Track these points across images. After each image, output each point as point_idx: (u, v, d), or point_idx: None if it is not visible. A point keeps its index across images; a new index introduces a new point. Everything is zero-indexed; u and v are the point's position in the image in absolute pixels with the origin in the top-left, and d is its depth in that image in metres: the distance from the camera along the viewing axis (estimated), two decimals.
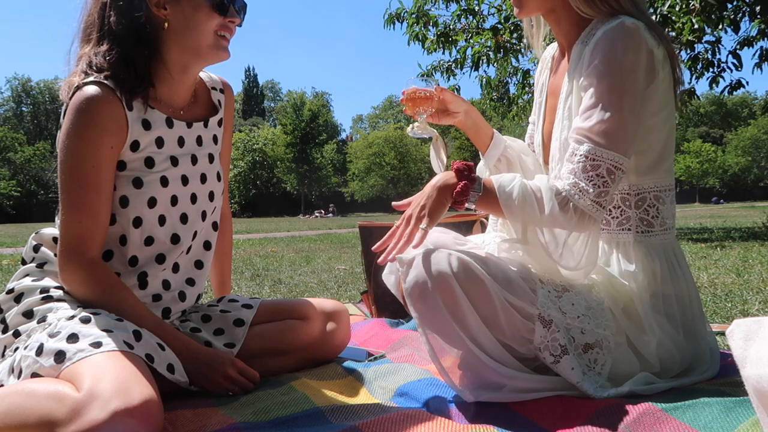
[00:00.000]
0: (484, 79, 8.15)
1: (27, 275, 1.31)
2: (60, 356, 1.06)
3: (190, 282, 1.42)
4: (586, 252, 1.19)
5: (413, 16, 7.80)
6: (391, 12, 7.80)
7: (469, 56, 7.68)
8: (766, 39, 6.60)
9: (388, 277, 1.27)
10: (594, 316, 1.17)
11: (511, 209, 1.14)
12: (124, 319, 1.19)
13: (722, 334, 1.76)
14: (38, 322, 1.19)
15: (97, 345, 1.07)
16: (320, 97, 58.63)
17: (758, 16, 6.32)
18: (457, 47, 7.80)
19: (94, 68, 1.24)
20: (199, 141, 1.40)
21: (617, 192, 1.24)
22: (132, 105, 1.26)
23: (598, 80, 1.15)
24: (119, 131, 1.24)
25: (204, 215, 1.41)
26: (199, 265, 1.44)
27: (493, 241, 1.41)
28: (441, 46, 7.77)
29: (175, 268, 1.38)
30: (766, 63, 6.64)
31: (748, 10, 6.47)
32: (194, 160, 1.39)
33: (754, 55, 6.66)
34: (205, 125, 1.42)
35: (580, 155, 1.15)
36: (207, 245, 1.45)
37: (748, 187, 57.39)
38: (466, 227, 2.14)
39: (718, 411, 0.97)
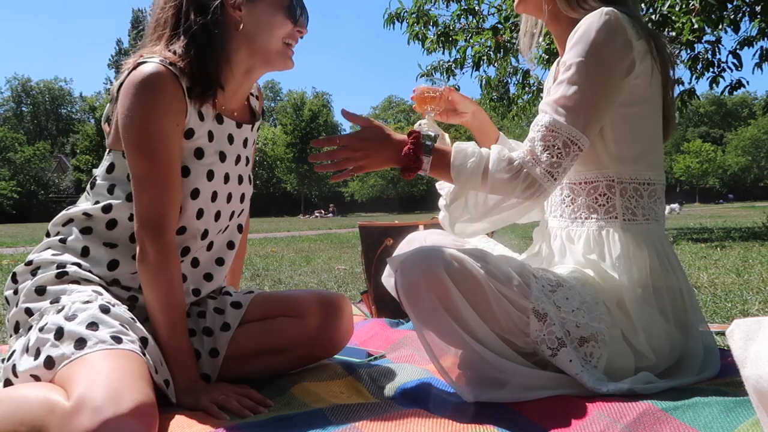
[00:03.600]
0: (484, 79, 8.15)
1: (48, 248, 1.30)
2: (80, 343, 1.06)
3: (208, 277, 1.41)
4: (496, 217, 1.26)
5: (413, 15, 7.80)
6: (390, 12, 7.79)
7: (470, 56, 7.68)
8: (766, 39, 6.60)
9: (387, 280, 1.28)
10: (588, 310, 1.18)
11: (460, 174, 1.19)
12: (167, 325, 1.21)
13: (722, 334, 1.76)
14: (51, 303, 1.19)
15: (117, 340, 1.08)
16: (320, 97, 58.60)
17: (758, 16, 6.32)
18: (457, 47, 7.80)
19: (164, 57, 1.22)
20: (245, 143, 1.42)
21: (603, 178, 1.26)
22: (192, 95, 1.24)
23: (571, 58, 1.19)
24: (181, 113, 1.23)
25: (232, 215, 1.42)
26: (220, 262, 1.43)
27: (487, 244, 1.42)
28: (441, 45, 7.77)
29: (195, 263, 1.37)
30: (766, 63, 6.63)
31: (748, 9, 6.46)
32: (238, 159, 1.40)
33: (754, 55, 6.66)
34: (251, 128, 1.44)
35: (541, 125, 1.19)
36: (230, 245, 1.45)
37: (748, 186, 57.41)
38: None
39: (718, 411, 0.97)
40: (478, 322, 1.12)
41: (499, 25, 7.42)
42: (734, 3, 6.31)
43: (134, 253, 1.25)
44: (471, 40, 7.67)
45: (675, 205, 24.10)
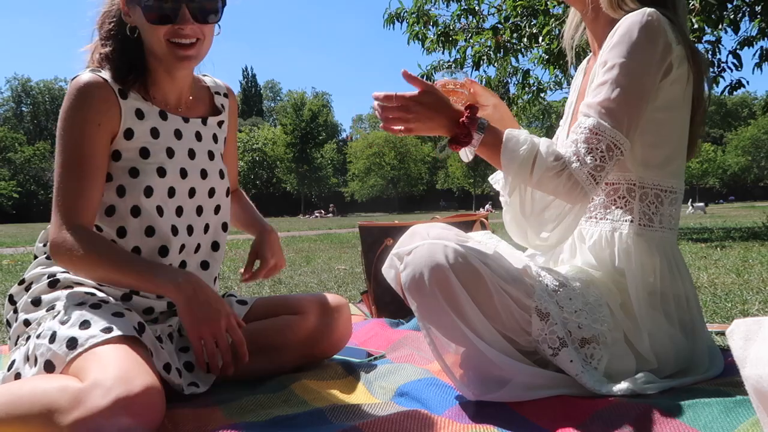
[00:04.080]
0: (484, 79, 8.15)
1: (38, 266, 1.34)
2: (72, 342, 1.08)
3: None
4: (559, 227, 1.22)
5: (413, 15, 7.80)
6: (390, 12, 7.80)
7: (470, 56, 7.69)
8: (766, 39, 6.61)
9: (388, 271, 1.27)
10: (591, 311, 1.18)
11: (511, 161, 1.16)
12: (117, 262, 1.21)
13: (722, 334, 1.76)
14: (47, 311, 1.22)
15: (107, 330, 1.10)
16: (320, 97, 58.67)
17: (758, 16, 6.32)
18: (457, 47, 7.80)
19: (95, 61, 1.31)
20: (198, 137, 1.41)
21: (624, 181, 1.26)
22: (127, 95, 1.29)
23: (612, 59, 1.18)
24: (109, 111, 1.26)
25: (200, 211, 1.40)
26: (204, 265, 1.43)
27: (491, 240, 1.41)
28: (441, 45, 7.77)
29: (182, 266, 1.38)
30: (766, 63, 6.64)
31: (748, 9, 6.47)
32: (192, 154, 1.38)
33: (754, 55, 6.67)
34: (204, 122, 1.43)
35: (585, 127, 1.17)
36: (215, 246, 1.44)
37: (748, 186, 57.44)
38: (465, 227, 2.13)
39: (718, 411, 0.97)
40: (480, 319, 1.12)
41: (499, 25, 7.43)
42: (734, 3, 6.31)
43: None
44: (471, 40, 7.68)
45: (700, 204, 23.71)
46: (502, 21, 7.46)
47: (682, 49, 1.20)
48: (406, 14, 7.83)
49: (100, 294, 1.26)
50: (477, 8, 7.77)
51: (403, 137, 53.05)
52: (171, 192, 1.34)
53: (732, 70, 6.47)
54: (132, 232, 1.30)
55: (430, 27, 7.85)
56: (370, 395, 1.29)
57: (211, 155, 1.43)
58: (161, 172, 1.32)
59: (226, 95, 1.52)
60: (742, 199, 53.03)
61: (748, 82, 6.99)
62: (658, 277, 1.22)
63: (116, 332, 1.10)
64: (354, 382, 1.38)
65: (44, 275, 1.29)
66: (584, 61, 1.51)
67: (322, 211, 42.54)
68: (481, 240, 1.45)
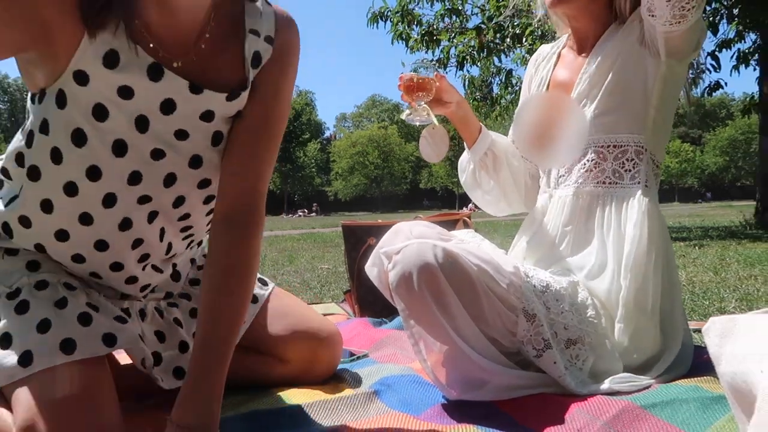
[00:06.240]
0: (467, 79, 8.19)
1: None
2: None
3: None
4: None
5: (397, 14, 7.82)
6: (374, 11, 7.81)
7: (453, 56, 7.72)
8: (743, 41, 6.73)
9: (371, 270, 1.27)
10: (578, 312, 1.19)
11: None
12: None
13: (699, 331, 1.79)
14: None
15: (25, 362, 0.89)
16: (304, 95, 58.35)
17: (736, 19, 6.43)
18: (441, 47, 7.83)
19: None
20: (207, 116, 0.97)
21: (633, 143, 1.30)
22: (96, 33, 0.86)
23: None
24: (46, 18, 0.82)
25: (181, 202, 1.06)
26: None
27: (474, 239, 1.42)
28: (425, 45, 7.80)
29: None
30: (743, 65, 6.76)
31: (726, 12, 6.57)
32: (183, 135, 0.97)
33: (731, 57, 6.80)
34: (231, 97, 0.96)
35: None
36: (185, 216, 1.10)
37: (725, 186, 58.44)
38: (449, 226, 2.14)
39: (695, 408, 0.99)
40: (466, 320, 1.12)
41: (482, 25, 7.46)
42: (713, 5, 6.41)
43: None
44: (454, 40, 7.71)
45: None
46: (486, 21, 7.50)
47: (698, 54, 1.29)
48: (389, 13, 7.83)
49: (38, 273, 1.00)
50: (461, 8, 7.81)
51: (386, 137, 53.10)
52: (136, 178, 0.98)
53: (710, 72, 6.60)
54: (61, 210, 0.97)
55: (414, 26, 7.86)
56: (352, 394, 1.29)
57: (216, 138, 1.01)
58: (119, 148, 0.94)
59: (270, 38, 1.00)
60: (720, 198, 53.90)
61: (726, 84, 7.12)
62: (664, 233, 1.27)
63: (37, 365, 0.89)
64: (336, 381, 1.37)
65: None
66: (548, 53, 1.52)
67: (306, 210, 42.42)
68: (464, 239, 1.45)
